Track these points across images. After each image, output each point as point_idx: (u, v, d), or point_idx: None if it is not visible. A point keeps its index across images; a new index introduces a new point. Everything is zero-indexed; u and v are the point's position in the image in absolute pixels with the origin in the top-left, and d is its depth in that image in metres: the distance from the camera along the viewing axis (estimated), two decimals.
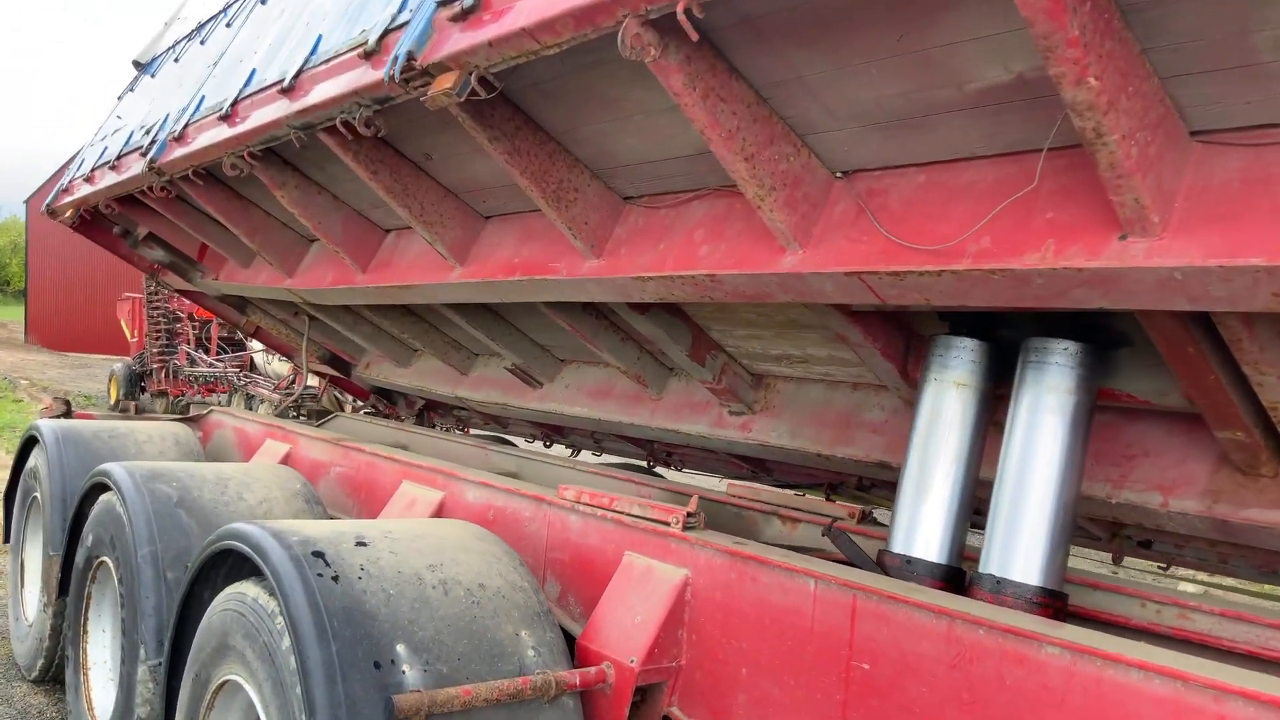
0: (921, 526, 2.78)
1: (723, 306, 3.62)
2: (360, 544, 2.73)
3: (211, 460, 5.43)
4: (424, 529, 3.01)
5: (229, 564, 2.98)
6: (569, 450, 6.54)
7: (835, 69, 2.23)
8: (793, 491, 4.57)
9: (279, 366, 17.39)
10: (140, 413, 7.17)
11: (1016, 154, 2.24)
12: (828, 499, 4.79)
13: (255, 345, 18.30)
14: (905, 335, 3.18)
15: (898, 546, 2.81)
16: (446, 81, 2.59)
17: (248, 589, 2.70)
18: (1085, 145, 1.85)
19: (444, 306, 4.66)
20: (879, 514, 3.55)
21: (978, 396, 2.82)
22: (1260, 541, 2.75)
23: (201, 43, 5.44)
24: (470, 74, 2.55)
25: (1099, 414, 2.93)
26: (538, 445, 6.80)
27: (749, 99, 2.40)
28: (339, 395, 9.71)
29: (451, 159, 3.48)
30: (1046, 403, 2.62)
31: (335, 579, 2.54)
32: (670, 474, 6.07)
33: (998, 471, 2.69)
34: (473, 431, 7.45)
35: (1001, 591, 2.54)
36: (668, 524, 2.87)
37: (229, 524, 2.92)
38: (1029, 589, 2.52)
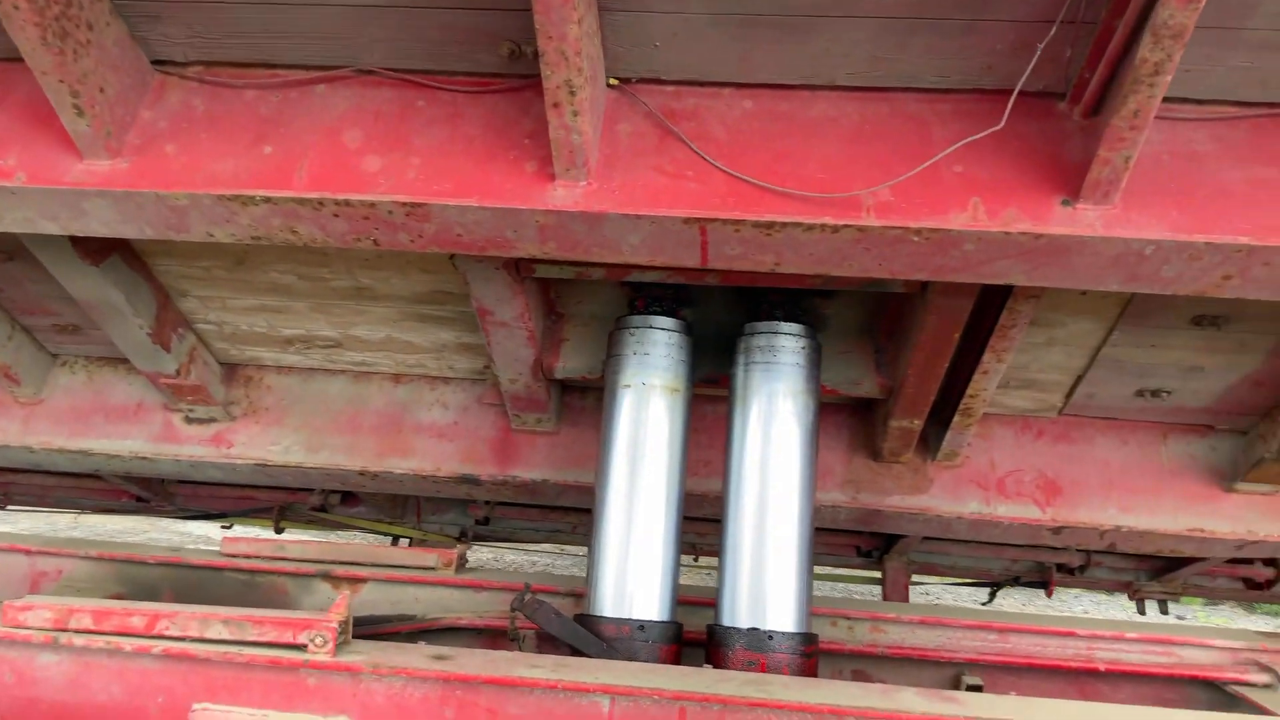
0: (639, 578, 2.08)
1: (240, 259, 2.39)
2: None
3: None
4: None
5: None
6: None
7: None
8: (296, 536, 3.32)
9: None
10: None
11: (888, 90, 1.75)
12: (278, 531, 3.62)
13: None
14: (545, 312, 2.43)
15: (608, 608, 2.06)
16: None
17: None
18: None
19: None
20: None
21: (686, 404, 2.23)
22: (898, 528, 2.70)
23: None
24: None
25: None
26: None
27: None
28: None
29: None
30: (783, 410, 2.16)
31: None
32: None
33: (728, 501, 2.14)
34: None
35: (775, 649, 1.99)
36: (300, 646, 1.70)
37: None
38: (796, 639, 2.02)
